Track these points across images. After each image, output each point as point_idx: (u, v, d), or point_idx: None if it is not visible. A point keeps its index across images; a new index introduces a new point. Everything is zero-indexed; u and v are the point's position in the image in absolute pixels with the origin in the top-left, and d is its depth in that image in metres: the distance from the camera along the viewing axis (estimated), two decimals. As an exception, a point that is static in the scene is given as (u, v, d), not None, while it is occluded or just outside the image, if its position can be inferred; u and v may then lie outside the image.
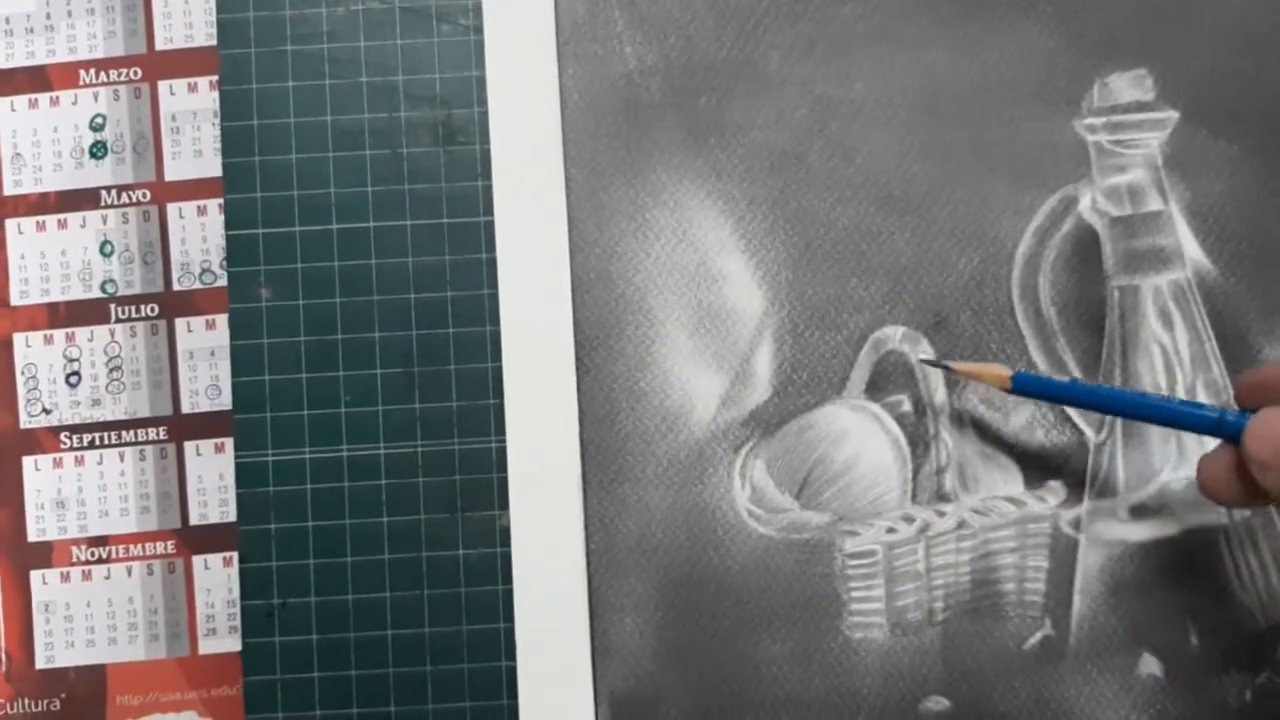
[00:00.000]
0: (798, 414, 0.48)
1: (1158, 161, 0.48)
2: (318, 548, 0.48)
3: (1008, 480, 0.48)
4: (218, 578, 0.49)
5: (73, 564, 0.49)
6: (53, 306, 0.49)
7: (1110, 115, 0.48)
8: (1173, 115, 0.48)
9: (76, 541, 0.49)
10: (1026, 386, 0.44)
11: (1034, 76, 0.49)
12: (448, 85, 0.49)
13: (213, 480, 0.49)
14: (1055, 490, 0.47)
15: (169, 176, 0.50)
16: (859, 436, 0.48)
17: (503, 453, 0.48)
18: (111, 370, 0.49)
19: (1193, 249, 0.48)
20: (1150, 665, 0.47)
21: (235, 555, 0.48)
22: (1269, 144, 0.48)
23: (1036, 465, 0.48)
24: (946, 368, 0.46)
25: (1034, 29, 0.49)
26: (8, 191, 0.50)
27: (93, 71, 0.50)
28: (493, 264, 0.48)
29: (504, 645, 0.47)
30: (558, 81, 0.49)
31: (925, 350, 0.48)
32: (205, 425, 0.49)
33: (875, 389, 0.48)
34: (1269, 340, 0.47)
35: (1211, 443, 0.42)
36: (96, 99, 0.50)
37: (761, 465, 0.48)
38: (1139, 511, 0.47)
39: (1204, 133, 0.48)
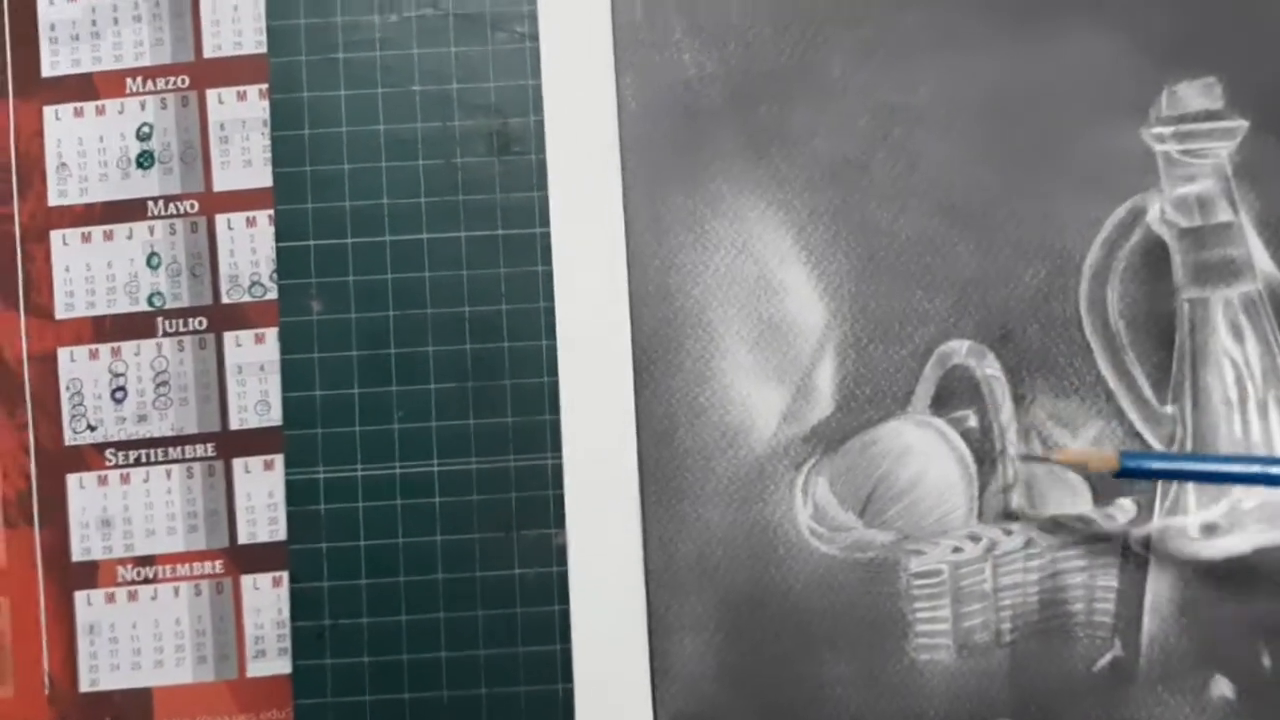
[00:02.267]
0: (861, 430, 0.47)
1: (1227, 171, 0.47)
2: (369, 567, 0.47)
3: (1076, 498, 0.47)
4: (267, 598, 0.48)
5: (118, 584, 0.47)
6: (98, 320, 0.48)
7: (1179, 124, 0.47)
8: (1242, 124, 0.47)
9: (123, 561, 0.47)
10: (1135, 467, 0.43)
11: (1100, 84, 0.48)
12: (502, 94, 0.48)
13: (262, 498, 0.48)
14: (1124, 508, 0.46)
15: (217, 187, 0.49)
16: (924, 453, 0.47)
17: (559, 470, 0.47)
18: (158, 385, 0.48)
19: (1263, 260, 0.47)
20: (1222, 687, 0.46)
21: (285, 575, 0.47)
22: (1342, 154, 0.47)
23: (1106, 482, 0.47)
24: (1047, 460, 0.45)
25: (1100, 35, 0.48)
26: (53, 202, 0.49)
27: (140, 80, 0.49)
28: (549, 276, 0.47)
29: (561, 667, 0.46)
30: (615, 90, 0.48)
31: (991, 365, 0.47)
32: (254, 442, 0.48)
33: (940, 404, 0.47)
34: (1343, 354, 0.46)
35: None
36: (144, 108, 0.49)
37: (824, 482, 0.47)
38: (1210, 530, 0.46)
39: (1274, 142, 0.47)
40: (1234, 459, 0.44)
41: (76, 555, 0.48)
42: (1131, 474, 0.43)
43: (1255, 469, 0.42)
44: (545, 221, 0.47)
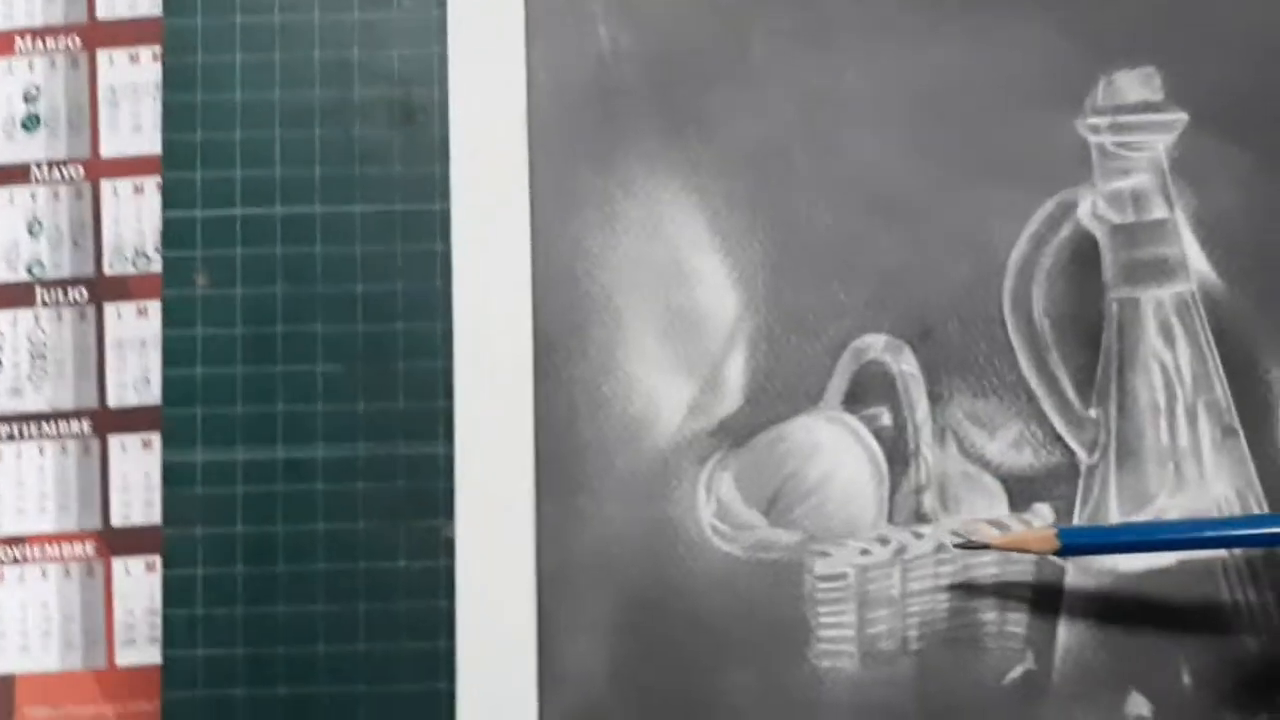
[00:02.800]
0: (770, 425, 0.45)
1: (1164, 166, 0.45)
2: (247, 555, 0.44)
3: (991, 502, 0.44)
4: (139, 584, 0.45)
5: (-15, 564, 0.45)
6: (-27, 288, 0.46)
7: (1115, 115, 0.45)
8: (1182, 117, 0.45)
9: (-11, 540, 0.45)
10: (1077, 544, 0.41)
11: (1035, 72, 0.45)
12: (407, 62, 0.46)
13: (138, 479, 0.45)
14: (1042, 514, 0.44)
15: (105, 153, 0.47)
16: (834, 451, 0.45)
17: (451, 459, 0.44)
18: (35, 358, 0.46)
19: (1199, 261, 0.45)
20: (1139, 705, 0.43)
21: (159, 560, 0.45)
22: (1282, 151, 0.45)
23: (1023, 487, 0.44)
24: (985, 547, 0.43)
25: (1036, 21, 0.46)
26: (-70, 162, 0.46)
27: (29, 39, 0.47)
28: (448, 256, 0.45)
29: (445, 666, 0.44)
30: (525, 61, 0.46)
31: (908, 361, 0.44)
32: (132, 420, 0.46)
33: (853, 401, 0.45)
34: (1276, 361, 0.44)
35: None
36: (32, 69, 0.47)
37: (729, 479, 0.44)
38: (1132, 541, 0.44)
39: (1214, 138, 0.45)
40: (1182, 523, 0.43)
41: (-58, 534, 0.45)
42: (1073, 551, 0.42)
43: (1199, 530, 0.41)
44: (446, 198, 0.45)
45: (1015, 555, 0.44)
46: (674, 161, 0.45)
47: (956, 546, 0.43)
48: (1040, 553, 0.42)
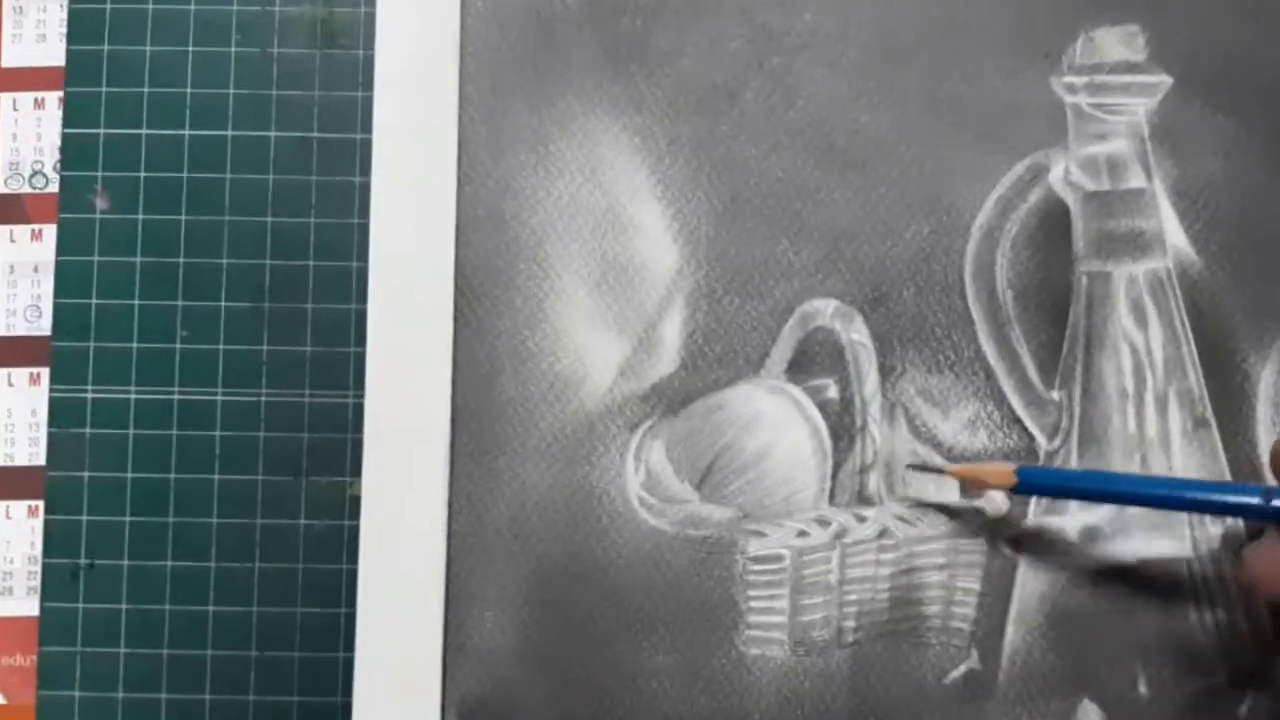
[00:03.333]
0: (707, 392, 0.41)
1: (1144, 132, 0.41)
2: (136, 504, 0.41)
3: (942, 486, 0.41)
4: (19, 529, 0.42)
5: None
6: None
7: (1094, 75, 0.42)
8: (1165, 80, 0.42)
9: None
10: (1034, 483, 0.39)
11: (1009, 22, 0.42)
12: (333, -20, 0.43)
13: (23, 415, 0.42)
14: (996, 502, 0.41)
15: (6, 63, 0.43)
16: (775, 423, 0.41)
17: (360, 410, 0.41)
18: (-83, 280, 0.42)
19: (1176, 235, 0.41)
20: (1090, 714, 0.40)
21: (41, 505, 0.41)
22: (1273, 120, 0.41)
23: (977, 471, 0.41)
24: (939, 471, 0.40)
25: (1014, -31, 0.42)
26: None
27: (-69, -62, 0.43)
28: (366, 189, 0.41)
29: (343, 633, 0.40)
30: (460, -15, 0.42)
31: (859, 330, 0.41)
32: (20, 351, 0.42)
33: (798, 370, 0.41)
34: (1255, 348, 0.41)
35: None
36: (-68, -31, 0.43)
37: (660, 447, 0.41)
38: (1091, 534, 0.41)
39: (1199, 103, 0.41)
40: (1143, 480, 0.39)
41: None
42: (1031, 490, 0.39)
43: (1162, 489, 0.38)
44: (368, 127, 0.42)
45: (965, 545, 0.41)
46: (616, 100, 0.42)
47: (909, 467, 0.40)
48: (995, 487, 0.39)
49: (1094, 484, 0.39)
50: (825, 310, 0.41)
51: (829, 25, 0.42)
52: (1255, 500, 0.36)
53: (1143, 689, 0.40)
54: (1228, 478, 0.41)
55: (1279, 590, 0.36)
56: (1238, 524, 0.41)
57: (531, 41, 0.42)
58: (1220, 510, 0.37)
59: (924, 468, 0.40)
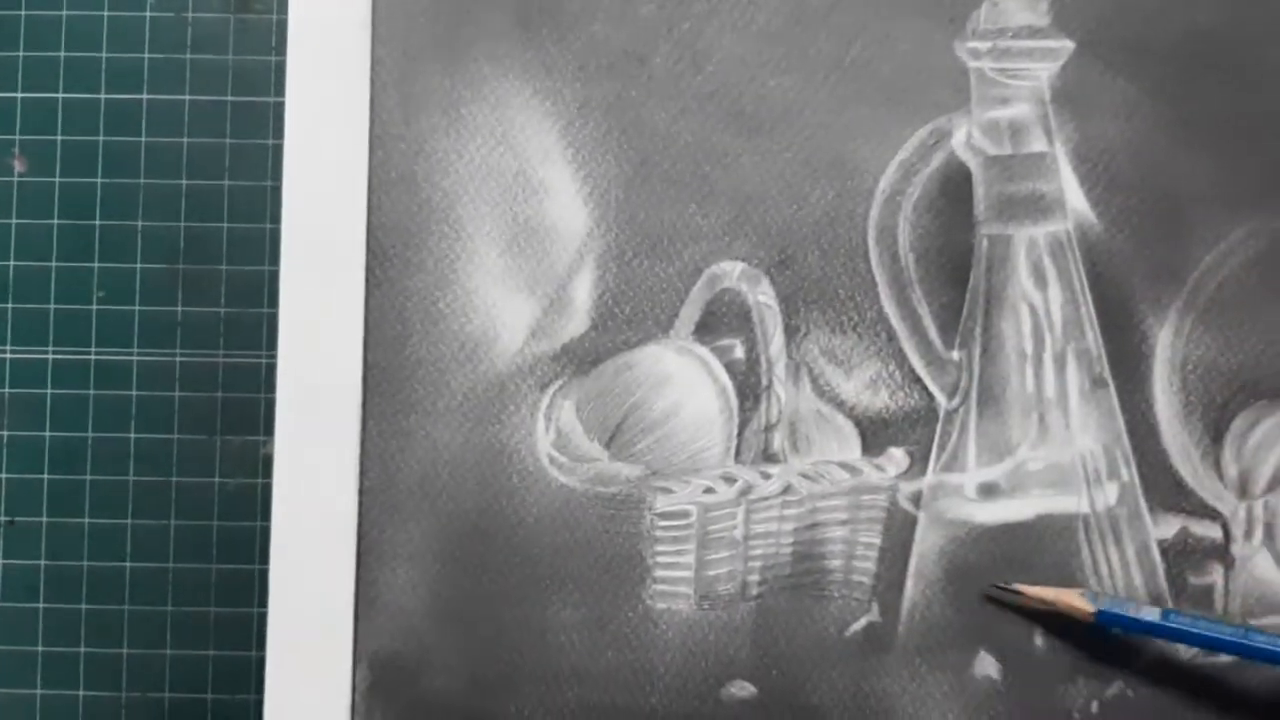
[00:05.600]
0: (616, 352, 0.42)
1: (1045, 96, 0.42)
2: (54, 461, 0.42)
3: (844, 444, 0.42)
4: (-61, 487, 0.42)
5: None
6: None
7: (997, 40, 0.42)
8: (1067, 45, 0.42)
9: None
10: (1113, 621, 0.39)
11: (916, -11, 0.42)
12: (247, -55, 0.43)
13: (-59, 376, 0.42)
14: (896, 459, 0.42)
15: (-76, 26, 0.43)
16: (682, 382, 0.42)
17: (274, 370, 0.42)
18: None
19: (1077, 199, 0.42)
20: (987, 665, 0.41)
21: (-41, 463, 0.42)
22: (1171, 85, 0.42)
23: (878, 430, 0.42)
24: (1015, 593, 0.40)
25: (921, -65, 0.43)
26: None
27: None
28: (280, 152, 0.42)
29: (258, 589, 0.41)
30: (372, -50, 0.42)
31: (765, 291, 0.42)
32: (-62, 312, 0.43)
33: (705, 330, 0.42)
34: (1153, 309, 0.42)
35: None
36: None
37: (570, 407, 0.42)
38: (988, 490, 0.42)
39: (1101, 67, 0.42)
40: (1228, 629, 0.39)
41: None
42: (1109, 625, 0.40)
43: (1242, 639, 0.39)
44: (281, 90, 0.42)
45: (866, 501, 0.42)
46: (527, 63, 0.42)
47: (986, 595, 0.41)
48: (1073, 614, 0.40)
49: (1176, 629, 0.39)
50: (732, 272, 0.42)
51: (737, -9, 0.43)
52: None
53: (1038, 641, 0.41)
54: (1124, 436, 0.42)
55: None
56: (1135, 482, 0.42)
57: (444, 5, 0.43)
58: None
59: (1003, 589, 0.41)
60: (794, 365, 0.42)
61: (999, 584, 0.41)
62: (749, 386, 0.42)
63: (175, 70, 0.42)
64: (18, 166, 0.42)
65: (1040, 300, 0.42)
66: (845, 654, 0.41)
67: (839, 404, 0.42)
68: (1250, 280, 0.42)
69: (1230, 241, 0.42)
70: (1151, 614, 0.39)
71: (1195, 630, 0.39)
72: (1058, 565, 0.42)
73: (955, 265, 0.42)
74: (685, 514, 0.42)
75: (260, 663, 0.41)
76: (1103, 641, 0.41)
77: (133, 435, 0.42)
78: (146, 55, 0.42)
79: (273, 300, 0.42)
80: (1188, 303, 0.42)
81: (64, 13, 0.43)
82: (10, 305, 0.42)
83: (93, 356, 0.42)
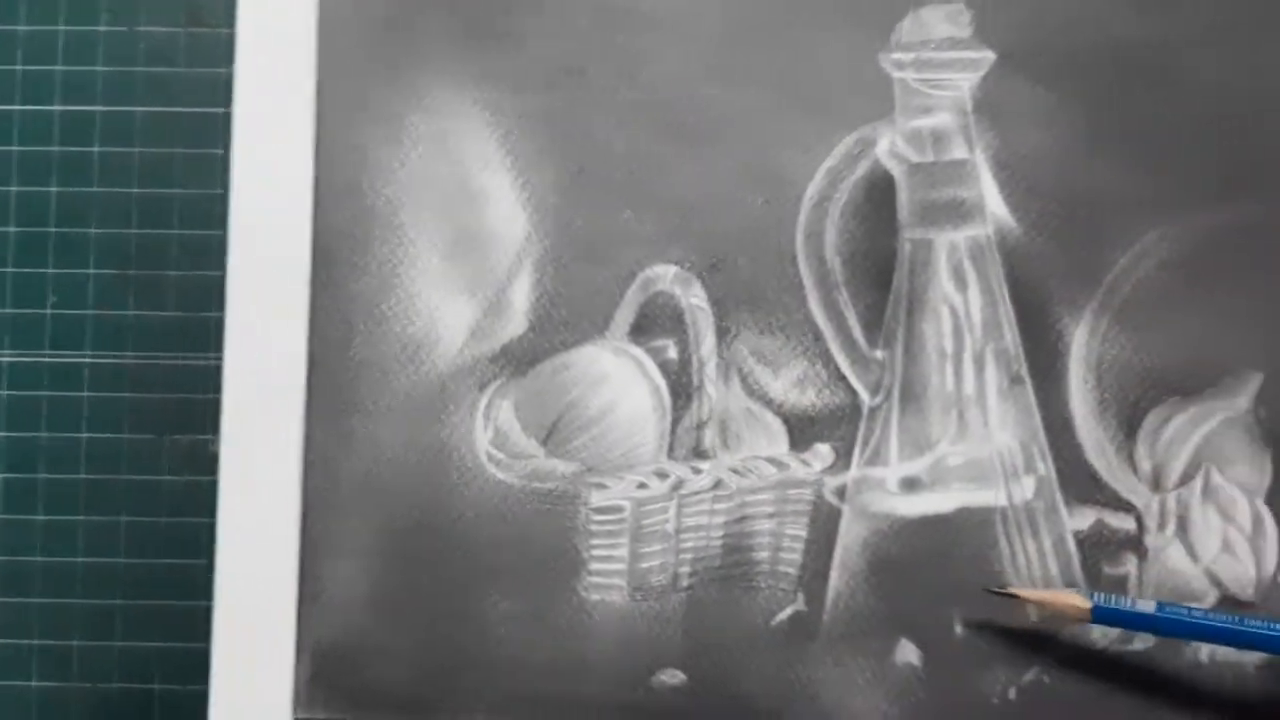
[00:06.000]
0: (553, 353, 0.44)
1: (967, 106, 0.44)
2: (7, 461, 0.43)
3: (772, 440, 0.43)
4: (-103, 485, 0.44)
5: None
6: None
7: (920, 51, 0.44)
8: (988, 55, 0.44)
9: None
10: (1110, 616, 0.40)
11: (842, 2, 0.44)
12: (197, -39, 0.45)
13: (-100, 377, 0.44)
14: (822, 455, 0.43)
15: (-115, 39, 0.45)
16: (617, 382, 0.44)
17: (221, 372, 0.43)
18: None
19: (996, 204, 0.44)
20: (908, 653, 0.43)
21: (-83, 462, 0.43)
22: (1089, 94, 0.44)
23: (804, 426, 0.43)
24: (1012, 596, 0.41)
25: (846, -49, 0.44)
26: None
27: None
28: (229, 162, 0.43)
29: (204, 583, 0.43)
30: (317, -34, 0.44)
31: (697, 294, 0.43)
32: (-103, 316, 0.44)
33: (640, 332, 0.44)
34: (1069, 310, 0.43)
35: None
36: None
37: (509, 406, 0.43)
38: (910, 484, 0.43)
39: (1020, 77, 0.44)
40: (1214, 617, 0.41)
41: None
42: (1105, 622, 0.41)
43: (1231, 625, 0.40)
44: (231, 102, 0.44)
45: (793, 495, 0.43)
46: (468, 75, 0.44)
47: (986, 591, 0.42)
48: (1069, 615, 0.41)
49: (1168, 619, 0.40)
50: (666, 276, 0.44)
51: (673, 4, 0.44)
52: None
53: (958, 629, 0.43)
54: (1041, 432, 0.43)
55: None
56: (1051, 476, 0.43)
57: (387, 20, 0.44)
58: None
59: (1000, 593, 0.42)
60: (725, 365, 0.44)
61: (993, 589, 0.42)
62: (681, 385, 0.44)
63: (128, 82, 0.44)
64: (-26, 175, 0.44)
65: (960, 302, 0.43)
66: (772, 642, 0.43)
67: (768, 402, 0.44)
68: (1163, 282, 0.43)
69: (1144, 244, 0.43)
70: (1147, 606, 0.41)
71: (1191, 620, 0.40)
72: (977, 557, 0.43)
73: (879, 268, 0.44)
74: (619, 508, 0.43)
75: (207, 654, 0.42)
76: (1020, 632, 0.42)
77: (84, 435, 0.43)
78: (100, 68, 0.44)
79: (221, 304, 0.43)
80: (1102, 304, 0.43)
81: (20, 28, 0.44)
82: (-33, 310, 0.43)
83: (46, 359, 0.43)
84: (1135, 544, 0.43)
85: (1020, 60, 0.44)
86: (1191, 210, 0.43)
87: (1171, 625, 0.40)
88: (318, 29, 0.44)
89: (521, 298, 0.44)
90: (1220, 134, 0.43)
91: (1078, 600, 0.41)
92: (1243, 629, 0.40)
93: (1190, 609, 0.41)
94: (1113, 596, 0.41)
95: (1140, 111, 0.44)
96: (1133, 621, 0.41)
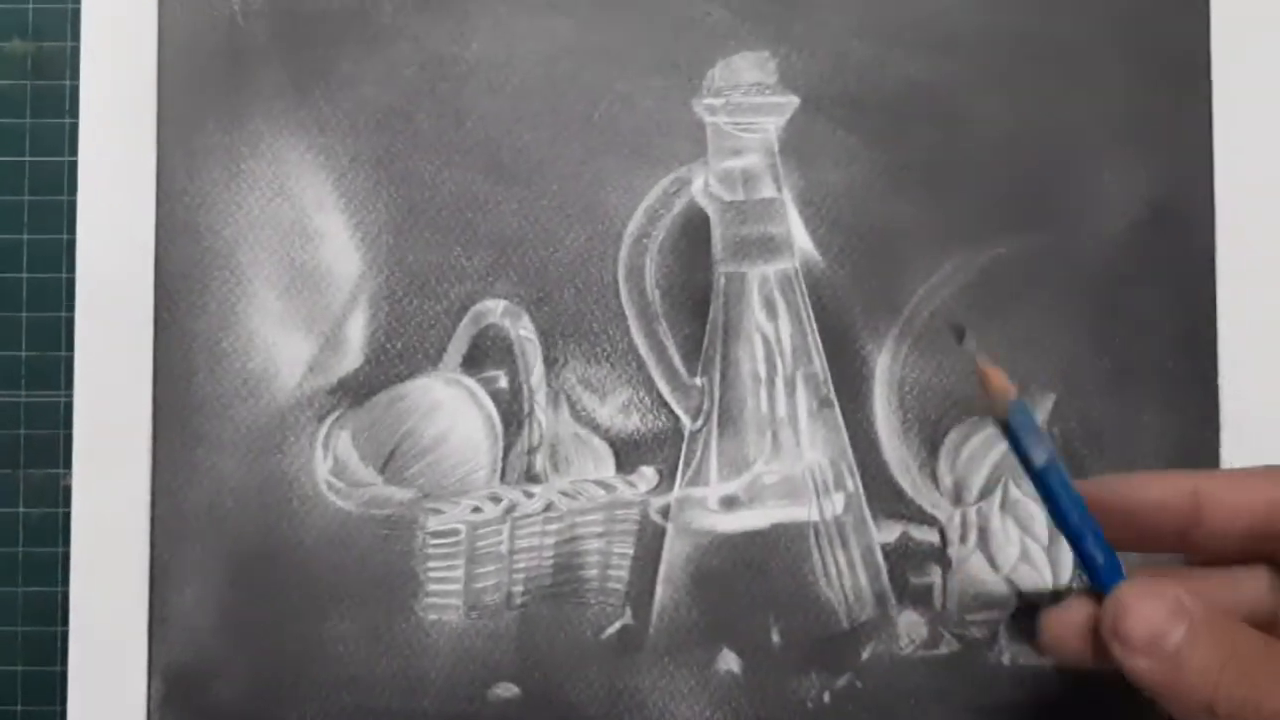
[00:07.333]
0: (389, 385, 0.46)
1: (774, 147, 0.47)
2: None
3: (600, 464, 0.46)
4: None
5: None
6: None
7: (730, 96, 0.47)
8: (793, 100, 0.47)
9: None
10: (1020, 419, 0.37)
11: (657, 50, 0.47)
12: (41, 16, 0.47)
13: None
14: (646, 476, 0.46)
15: None
16: (451, 411, 0.46)
17: (71, 408, 0.45)
18: None
19: (803, 239, 0.47)
20: (729, 661, 0.46)
21: None
22: (886, 135, 0.47)
23: (630, 450, 0.46)
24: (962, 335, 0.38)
25: (662, 1, 0.47)
26: None
27: None
28: (75, 207, 0.46)
29: (61, 610, 0.45)
30: (157, 20, 0.46)
31: (526, 326, 0.46)
32: None
33: (472, 363, 0.46)
34: (872, 337, 0.46)
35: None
36: None
37: (347, 436, 0.46)
38: (729, 502, 0.46)
39: (823, 120, 0.47)
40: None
41: None
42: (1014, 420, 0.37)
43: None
44: (75, 150, 0.46)
45: (620, 515, 0.46)
46: (301, 121, 0.46)
47: (948, 324, 0.40)
48: (995, 401, 0.37)
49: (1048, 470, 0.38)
50: (495, 309, 0.46)
51: (494, 53, 0.47)
52: (1097, 559, 0.37)
53: (775, 638, 0.46)
54: (849, 450, 0.46)
55: (1067, 655, 0.38)
56: (859, 492, 0.46)
57: (224, 71, 0.46)
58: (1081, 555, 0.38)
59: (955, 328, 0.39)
60: (554, 393, 0.46)
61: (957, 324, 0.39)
62: (513, 413, 0.46)
63: (-25, 133, 0.46)
64: None
65: (772, 330, 0.46)
66: (601, 655, 0.46)
67: (595, 427, 0.46)
68: (959, 309, 0.47)
69: (941, 274, 0.47)
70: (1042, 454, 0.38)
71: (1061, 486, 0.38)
72: (791, 568, 0.46)
73: (696, 300, 0.46)
74: (455, 532, 0.46)
75: (64, 676, 0.44)
76: (833, 639, 0.45)
77: (-60, 471, 0.45)
78: (-53, 120, 0.46)
79: (70, 344, 0.45)
80: (903, 330, 0.46)
81: None
82: None
83: (-100, 399, 0.45)
84: (939, 555, 0.46)
85: (822, 104, 0.47)
86: (983, 242, 0.47)
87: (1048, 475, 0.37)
88: (157, 80, 0.46)
89: (357, 332, 0.46)
90: (1008, 169, 0.47)
91: (1011, 390, 0.38)
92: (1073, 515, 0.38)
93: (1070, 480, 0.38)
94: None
95: (933, 151, 0.47)
96: (1026, 444, 0.37)
